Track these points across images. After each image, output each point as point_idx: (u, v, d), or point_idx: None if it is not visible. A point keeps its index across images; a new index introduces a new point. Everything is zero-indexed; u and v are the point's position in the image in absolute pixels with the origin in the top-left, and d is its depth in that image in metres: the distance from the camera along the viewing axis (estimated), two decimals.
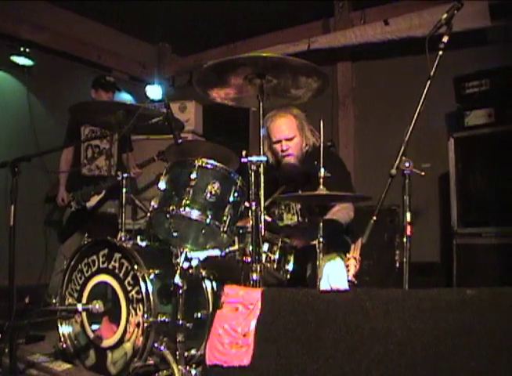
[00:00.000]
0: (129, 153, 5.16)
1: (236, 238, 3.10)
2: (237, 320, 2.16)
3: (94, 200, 4.92)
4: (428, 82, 2.50)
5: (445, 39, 2.53)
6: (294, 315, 2.05)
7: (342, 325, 1.97)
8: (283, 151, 3.63)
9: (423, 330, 1.88)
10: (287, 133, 3.61)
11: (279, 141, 3.63)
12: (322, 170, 2.98)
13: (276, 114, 3.62)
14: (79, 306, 3.06)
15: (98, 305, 3.05)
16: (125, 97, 7.21)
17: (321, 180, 2.97)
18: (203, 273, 3.22)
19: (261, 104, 2.77)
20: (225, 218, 2.93)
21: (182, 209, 2.87)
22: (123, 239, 3.24)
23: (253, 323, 2.11)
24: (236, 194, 3.01)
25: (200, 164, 2.97)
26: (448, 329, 1.85)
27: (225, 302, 2.22)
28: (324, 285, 3.10)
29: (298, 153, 3.65)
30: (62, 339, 3.23)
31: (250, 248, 2.68)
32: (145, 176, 5.50)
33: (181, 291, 2.86)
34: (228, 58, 2.66)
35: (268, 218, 3.47)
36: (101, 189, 4.91)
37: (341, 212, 3.49)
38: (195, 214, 2.87)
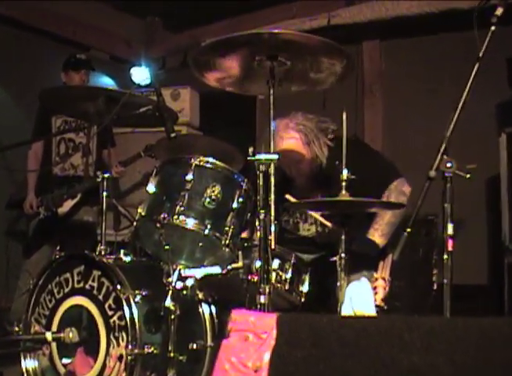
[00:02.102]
0: (111, 149, 5.18)
1: (240, 253, 3.10)
2: (247, 352, 2.15)
3: (67, 206, 4.93)
4: (476, 65, 2.49)
5: (499, 12, 2.50)
6: (317, 346, 2.05)
7: (375, 359, 1.97)
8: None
9: (472, 367, 1.87)
10: (293, 158, 3.60)
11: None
12: (345, 171, 2.99)
13: (278, 132, 3.56)
14: (48, 335, 3.07)
15: (71, 334, 3.06)
16: (106, 81, 7.23)
17: (343, 184, 2.97)
18: (200, 295, 3.23)
19: (271, 91, 2.77)
20: (226, 228, 2.94)
21: (175, 217, 2.87)
22: (103, 253, 3.25)
23: (266, 356, 2.11)
24: (240, 200, 3.02)
25: (196, 162, 2.98)
26: (501, 366, 1.85)
27: (232, 330, 2.22)
28: (346, 311, 3.10)
29: (311, 170, 3.65)
30: None
31: (257, 265, 2.68)
32: (130, 177, 5.52)
33: (173, 317, 2.87)
34: (231, 35, 2.67)
35: (328, 223, 3.46)
36: (76, 192, 4.92)
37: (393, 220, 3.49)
38: (191, 223, 2.88)
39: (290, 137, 3.59)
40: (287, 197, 3.45)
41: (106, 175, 3.40)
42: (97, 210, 5.04)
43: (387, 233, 3.45)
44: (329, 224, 3.42)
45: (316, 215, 3.55)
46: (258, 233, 2.68)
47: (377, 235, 3.44)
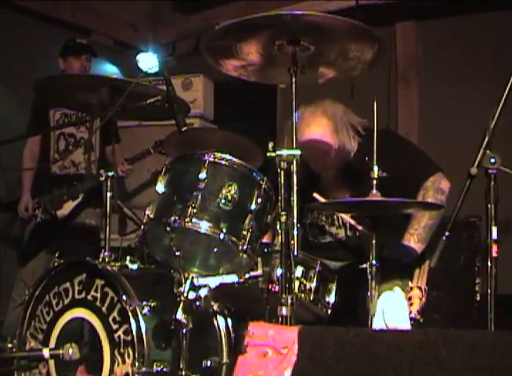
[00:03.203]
0: (115, 145, 5.19)
1: (260, 259, 3.11)
2: (266, 369, 2.17)
3: (67, 208, 4.96)
4: None
5: None
6: (343, 362, 2.06)
7: None
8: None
9: None
10: (320, 149, 3.59)
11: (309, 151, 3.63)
12: (376, 168, 2.99)
13: (303, 120, 3.59)
14: (45, 352, 3.07)
15: (71, 350, 3.06)
16: (109, 69, 7.25)
17: (374, 182, 2.98)
18: (215, 307, 3.24)
19: (293, 80, 2.78)
20: (244, 232, 2.94)
21: (187, 220, 2.89)
22: (107, 260, 3.27)
23: (287, 374, 2.12)
24: (259, 200, 3.03)
25: (210, 159, 2.99)
26: None
27: (249, 345, 2.23)
28: (378, 324, 3.10)
29: (339, 163, 3.64)
30: None
31: (279, 273, 2.69)
32: (137, 176, 5.55)
33: (185, 331, 2.87)
34: (249, 17, 2.67)
35: (359, 227, 3.46)
36: (77, 192, 4.95)
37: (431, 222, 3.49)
38: (204, 226, 2.89)
39: (317, 125, 3.57)
40: (315, 195, 3.45)
41: (110, 174, 3.41)
42: (101, 212, 5.06)
43: (425, 238, 3.43)
44: (360, 227, 3.42)
45: (347, 217, 3.55)
46: (279, 238, 2.69)
47: (413, 241, 3.42)
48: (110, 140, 5.00)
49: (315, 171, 3.69)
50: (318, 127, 3.56)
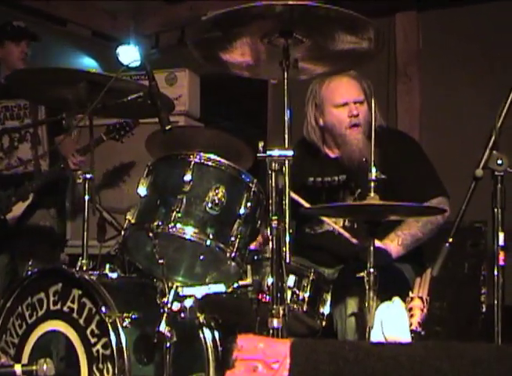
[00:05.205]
0: (68, 135, 5.06)
1: (249, 267, 3.12)
2: None
3: (18, 210, 4.89)
4: None
5: None
6: None
7: None
8: (352, 117, 3.62)
9: None
10: (357, 94, 3.63)
11: (346, 104, 3.63)
12: (374, 170, 3.00)
13: (333, 77, 3.63)
14: (17, 368, 3.06)
15: (46, 366, 3.05)
16: (87, 63, 7.25)
17: (372, 184, 2.99)
18: (201, 319, 3.24)
19: (285, 75, 2.79)
20: (233, 238, 2.95)
21: (171, 225, 2.89)
22: (84, 268, 3.27)
23: None
24: (248, 204, 3.03)
25: (196, 160, 2.99)
26: None
27: (238, 359, 2.23)
28: (376, 336, 3.10)
29: (365, 128, 3.64)
30: None
31: (270, 282, 2.69)
32: (116, 177, 5.53)
33: (168, 345, 2.88)
34: (237, 7, 2.67)
35: (341, 230, 3.48)
36: (26, 193, 4.85)
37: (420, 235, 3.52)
38: (189, 232, 2.90)
39: (352, 77, 3.66)
40: (295, 197, 3.44)
41: (88, 176, 3.41)
42: (55, 213, 5.05)
43: (408, 246, 3.50)
44: (354, 241, 3.43)
45: (340, 228, 3.58)
46: (270, 244, 2.69)
47: (396, 242, 3.47)
48: (59, 130, 4.90)
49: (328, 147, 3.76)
50: (352, 79, 3.66)
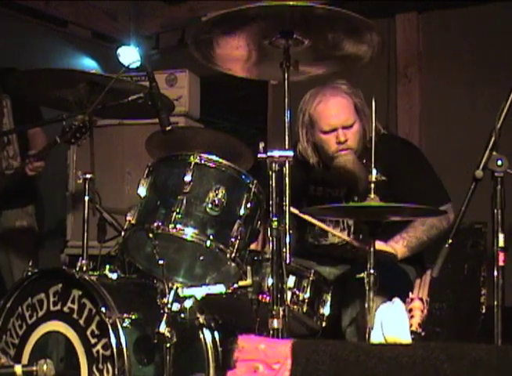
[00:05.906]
0: (38, 131, 4.97)
1: (249, 268, 3.11)
2: None
3: None
4: None
5: None
6: None
7: None
8: (339, 143, 3.60)
9: None
10: (345, 119, 3.58)
11: (334, 130, 3.60)
12: (374, 172, 3.00)
13: (325, 93, 3.59)
14: (17, 368, 3.06)
15: (46, 367, 3.05)
16: (88, 64, 7.25)
17: (371, 185, 2.99)
18: (201, 319, 3.24)
19: (285, 75, 2.79)
20: (233, 239, 2.95)
21: (171, 226, 2.89)
22: (84, 269, 3.27)
23: None
24: (248, 205, 3.03)
25: (196, 161, 2.99)
26: None
27: (239, 360, 2.23)
28: (376, 338, 3.10)
29: (357, 146, 3.63)
30: None
31: (270, 283, 2.70)
32: (117, 177, 5.53)
33: (168, 345, 2.88)
34: (238, 8, 2.68)
35: (355, 242, 3.47)
36: None
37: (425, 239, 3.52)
38: (189, 233, 2.90)
39: (342, 96, 3.60)
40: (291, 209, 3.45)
41: (88, 176, 3.41)
42: (33, 209, 5.02)
43: (413, 249, 3.49)
44: (356, 243, 3.44)
45: (342, 234, 3.59)
46: (271, 245, 2.69)
47: (402, 244, 3.45)
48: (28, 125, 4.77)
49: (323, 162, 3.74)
50: (342, 99, 3.59)
